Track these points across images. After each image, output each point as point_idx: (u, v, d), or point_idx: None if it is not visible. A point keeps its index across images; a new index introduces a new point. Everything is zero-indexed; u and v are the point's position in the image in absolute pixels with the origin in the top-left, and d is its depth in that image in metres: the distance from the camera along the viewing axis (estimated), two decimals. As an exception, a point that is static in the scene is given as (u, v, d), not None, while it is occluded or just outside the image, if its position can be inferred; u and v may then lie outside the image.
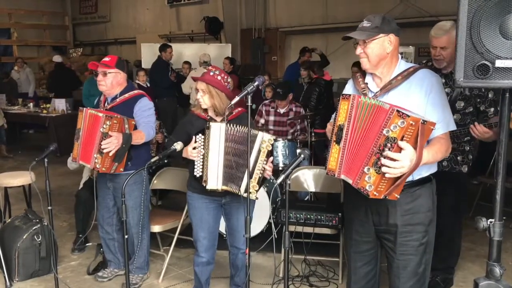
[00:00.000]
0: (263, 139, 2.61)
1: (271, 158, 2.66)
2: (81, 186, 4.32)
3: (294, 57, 9.26)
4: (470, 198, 4.29)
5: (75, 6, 14.62)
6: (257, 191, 2.63)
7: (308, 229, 3.51)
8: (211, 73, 2.81)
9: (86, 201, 3.94)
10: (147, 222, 3.49)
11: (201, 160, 2.71)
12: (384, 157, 1.84)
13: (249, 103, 2.31)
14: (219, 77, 2.81)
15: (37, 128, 10.15)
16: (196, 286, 3.11)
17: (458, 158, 3.10)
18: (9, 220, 3.90)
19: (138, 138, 3.16)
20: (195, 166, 2.73)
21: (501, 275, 1.70)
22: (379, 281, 2.45)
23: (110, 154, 3.03)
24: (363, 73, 2.26)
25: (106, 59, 3.28)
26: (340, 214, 3.42)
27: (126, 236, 2.65)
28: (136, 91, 3.37)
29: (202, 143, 2.70)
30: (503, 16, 1.57)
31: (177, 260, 3.95)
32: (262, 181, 2.67)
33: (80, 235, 4.11)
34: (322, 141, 5.13)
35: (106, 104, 3.33)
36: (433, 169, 2.22)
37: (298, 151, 4.41)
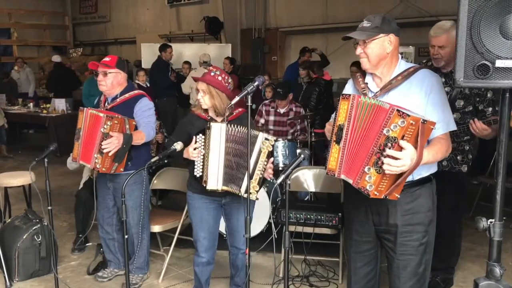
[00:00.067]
0: (264, 139, 2.61)
1: (271, 159, 2.66)
2: (81, 186, 4.32)
3: (294, 57, 9.26)
4: (470, 198, 4.29)
5: (75, 6, 14.62)
6: (257, 191, 2.64)
7: (308, 229, 3.51)
8: (212, 74, 2.81)
9: (86, 201, 3.94)
10: (147, 222, 3.49)
11: (201, 160, 2.71)
12: (386, 156, 1.84)
13: (249, 103, 2.31)
14: (219, 78, 2.80)
15: (37, 128, 10.16)
16: (196, 286, 3.11)
17: (458, 157, 3.10)
18: (9, 220, 3.90)
19: (139, 139, 3.16)
20: (195, 166, 2.73)
21: (501, 275, 1.70)
22: (379, 281, 2.45)
23: (110, 154, 3.03)
24: (363, 73, 2.26)
25: (107, 59, 3.28)
26: (340, 214, 3.42)
27: (126, 236, 2.65)
28: (136, 91, 3.37)
29: (203, 143, 2.70)
30: (503, 16, 1.57)
31: (177, 260, 3.95)
32: (263, 182, 2.67)
33: (80, 235, 4.11)
34: (322, 141, 5.13)
35: (106, 104, 3.33)
36: (433, 169, 2.22)
37: (298, 151, 4.41)
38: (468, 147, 3.12)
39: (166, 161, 3.29)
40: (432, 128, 1.86)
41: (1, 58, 12.57)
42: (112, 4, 13.77)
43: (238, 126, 2.66)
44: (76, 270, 3.82)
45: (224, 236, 3.48)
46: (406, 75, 2.15)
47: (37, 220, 3.67)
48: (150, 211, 3.64)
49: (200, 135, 2.70)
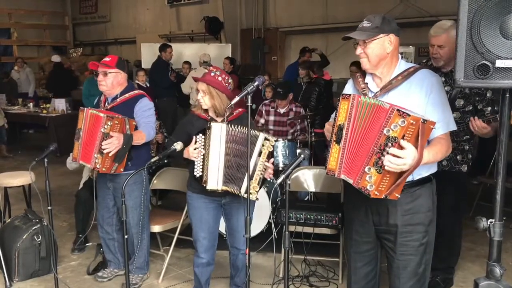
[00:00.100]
0: (264, 140, 2.61)
1: (272, 160, 2.66)
2: (81, 186, 4.32)
3: (294, 57, 9.26)
4: (470, 198, 4.29)
5: (75, 6, 14.62)
6: (257, 191, 2.63)
7: (308, 229, 3.51)
8: (212, 74, 2.81)
9: (86, 201, 3.94)
10: (147, 222, 3.49)
11: (201, 160, 2.71)
12: (387, 154, 1.84)
13: (249, 103, 2.31)
14: (219, 78, 2.80)
15: (37, 128, 10.16)
16: (196, 286, 3.11)
17: (458, 157, 3.10)
18: (9, 220, 3.90)
19: (139, 139, 3.16)
20: (195, 166, 2.73)
21: (501, 275, 1.70)
22: (379, 281, 2.45)
23: (110, 154, 3.03)
24: (363, 73, 2.26)
25: (107, 59, 3.28)
26: (340, 214, 3.42)
27: (126, 236, 2.65)
28: (136, 91, 3.37)
29: (203, 143, 2.70)
30: (503, 16, 1.57)
31: (177, 260, 3.95)
32: (263, 182, 2.67)
33: (80, 235, 4.11)
34: (322, 141, 5.13)
35: (106, 104, 3.33)
36: (433, 169, 2.22)
37: (298, 151, 4.41)
38: (468, 147, 3.12)
39: (166, 161, 3.29)
40: (432, 128, 1.86)
41: (1, 58, 12.57)
42: (112, 4, 13.77)
43: (239, 126, 2.66)
44: (76, 270, 3.82)
45: (224, 236, 3.48)
46: (406, 75, 2.15)
47: (37, 220, 3.67)
48: (150, 211, 3.64)
49: (200, 135, 2.70)
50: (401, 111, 1.82)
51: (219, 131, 2.67)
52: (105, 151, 2.99)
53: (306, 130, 5.06)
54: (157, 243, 3.95)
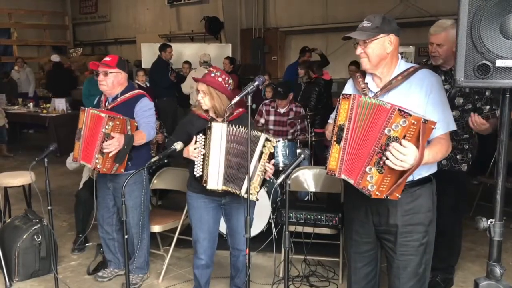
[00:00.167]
0: (266, 141, 2.61)
1: (273, 160, 2.66)
2: (81, 186, 4.32)
3: (294, 57, 9.26)
4: (470, 198, 4.29)
5: (75, 6, 14.63)
6: (257, 192, 2.63)
7: (308, 229, 3.51)
8: (212, 75, 2.81)
9: (86, 201, 3.94)
10: (147, 222, 3.49)
11: (202, 160, 2.71)
12: (389, 151, 1.83)
13: (249, 103, 2.31)
14: (220, 79, 2.80)
15: (37, 128, 10.16)
16: (196, 287, 3.11)
17: (458, 156, 3.10)
18: (9, 220, 3.90)
19: (139, 139, 3.17)
20: (195, 166, 2.72)
21: (502, 275, 1.70)
22: (379, 281, 2.45)
23: (110, 155, 3.03)
24: (363, 73, 2.26)
25: (107, 58, 3.28)
26: (340, 214, 3.42)
27: (126, 236, 2.64)
28: (136, 91, 3.37)
29: (203, 143, 2.70)
30: (503, 16, 1.57)
31: (177, 260, 3.95)
32: (263, 183, 2.67)
33: (80, 235, 4.11)
34: (322, 141, 5.13)
35: (107, 103, 3.32)
36: (433, 169, 2.22)
37: (298, 151, 4.41)
38: (467, 146, 3.12)
39: (166, 161, 3.29)
40: (433, 128, 1.86)
41: (1, 58, 12.57)
42: (112, 4, 13.77)
43: (239, 127, 2.66)
44: (76, 270, 3.82)
45: (224, 236, 3.48)
46: (406, 75, 2.15)
47: (37, 220, 3.66)
48: (150, 211, 3.64)
49: (201, 134, 2.70)
50: (402, 111, 1.82)
51: (219, 131, 2.66)
52: (105, 151, 2.99)
53: (306, 130, 5.06)
54: (157, 243, 3.95)
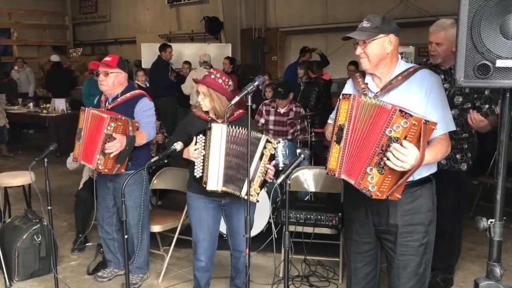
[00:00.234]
0: (267, 142, 2.61)
1: (273, 162, 2.66)
2: (81, 186, 4.32)
3: (294, 57, 9.26)
4: (470, 198, 4.29)
5: (75, 6, 14.63)
6: (258, 193, 2.63)
7: (308, 229, 3.51)
8: (212, 76, 2.81)
9: (86, 201, 3.94)
10: (147, 222, 3.49)
11: (202, 161, 2.70)
12: (390, 151, 1.84)
13: (249, 103, 2.31)
14: (220, 80, 2.80)
15: (37, 128, 10.16)
16: (196, 287, 3.11)
17: (457, 156, 3.10)
18: (9, 220, 3.90)
19: (141, 139, 3.17)
20: (195, 167, 2.72)
21: (502, 275, 1.70)
22: (379, 281, 2.45)
23: (112, 155, 3.03)
24: (363, 73, 2.26)
25: (108, 58, 3.27)
26: (340, 214, 3.42)
27: (126, 236, 2.64)
28: (137, 91, 3.37)
29: (203, 144, 2.69)
30: (503, 16, 1.57)
31: (177, 260, 3.95)
32: (263, 184, 2.67)
33: (80, 235, 4.11)
34: (322, 141, 5.13)
35: (107, 103, 3.32)
36: (433, 169, 2.22)
37: (298, 151, 4.41)
38: (466, 146, 3.12)
39: (166, 161, 3.29)
40: (434, 129, 1.86)
41: (1, 58, 12.57)
42: (112, 4, 13.77)
43: (239, 128, 2.66)
44: (76, 270, 3.82)
45: (225, 236, 3.48)
46: (406, 75, 2.15)
47: (37, 220, 3.66)
48: (150, 211, 3.64)
49: (201, 135, 2.70)
50: (403, 112, 1.82)
51: (219, 132, 2.66)
52: (106, 151, 2.99)
53: (306, 130, 5.05)
54: (157, 243, 3.95)
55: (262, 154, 2.62)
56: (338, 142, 2.03)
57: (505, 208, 1.71)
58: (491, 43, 1.59)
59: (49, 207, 3.07)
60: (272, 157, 2.64)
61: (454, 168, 3.11)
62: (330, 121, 2.37)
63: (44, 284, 3.58)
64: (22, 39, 13.16)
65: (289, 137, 4.97)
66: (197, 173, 2.72)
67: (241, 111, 2.90)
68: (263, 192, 3.95)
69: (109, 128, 2.97)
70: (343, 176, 2.04)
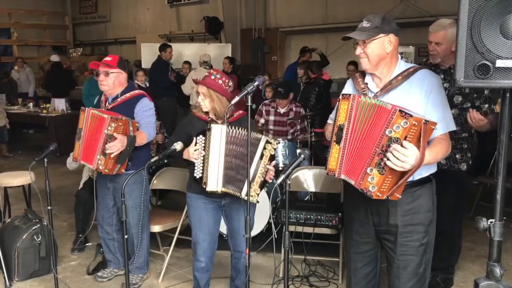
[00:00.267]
0: (266, 143, 2.61)
1: (273, 162, 2.66)
2: (81, 186, 4.32)
3: (294, 57, 9.26)
4: (470, 198, 4.28)
5: (75, 6, 14.63)
6: (258, 194, 2.63)
7: (308, 229, 3.51)
8: (212, 77, 2.81)
9: (86, 201, 3.94)
10: (147, 222, 3.49)
11: (201, 161, 2.70)
12: (391, 152, 1.83)
13: (249, 103, 2.30)
14: (220, 81, 2.80)
15: (37, 128, 10.16)
16: (196, 287, 3.11)
17: (457, 156, 3.10)
18: (9, 220, 3.90)
19: (141, 140, 3.16)
20: (195, 168, 2.72)
21: (502, 276, 1.70)
22: (379, 281, 2.44)
23: (112, 156, 3.03)
24: (362, 73, 2.26)
25: (108, 58, 3.27)
26: (340, 214, 3.42)
27: (126, 236, 2.64)
28: (137, 91, 3.37)
29: (203, 145, 2.69)
30: (503, 16, 1.57)
31: (177, 260, 3.95)
32: (263, 184, 2.66)
33: (80, 235, 4.11)
34: (322, 141, 5.13)
35: (107, 103, 3.32)
36: (433, 169, 2.22)
37: (298, 151, 4.41)
38: (466, 145, 3.12)
39: (166, 161, 3.29)
40: (434, 129, 1.86)
41: (1, 58, 12.57)
42: (112, 4, 13.78)
43: (239, 128, 2.66)
44: (76, 270, 3.82)
45: (225, 236, 3.48)
46: (406, 75, 2.15)
47: (37, 220, 3.66)
48: (150, 211, 3.64)
49: (201, 136, 2.70)
50: (403, 112, 1.82)
51: (219, 132, 2.66)
52: (107, 151, 2.99)
53: (306, 130, 5.05)
54: (157, 243, 3.95)
55: (262, 155, 2.62)
56: (338, 142, 2.03)
57: (505, 208, 1.71)
58: (491, 43, 1.59)
59: (49, 207, 3.07)
60: (272, 157, 2.64)
61: (454, 168, 3.11)
62: (330, 121, 2.37)
63: (44, 284, 3.58)
64: (22, 39, 13.16)
65: (289, 137, 4.97)
66: (197, 173, 2.72)
67: (241, 111, 2.90)
68: (263, 192, 3.95)
69: (109, 128, 2.96)
70: (343, 176, 2.04)
